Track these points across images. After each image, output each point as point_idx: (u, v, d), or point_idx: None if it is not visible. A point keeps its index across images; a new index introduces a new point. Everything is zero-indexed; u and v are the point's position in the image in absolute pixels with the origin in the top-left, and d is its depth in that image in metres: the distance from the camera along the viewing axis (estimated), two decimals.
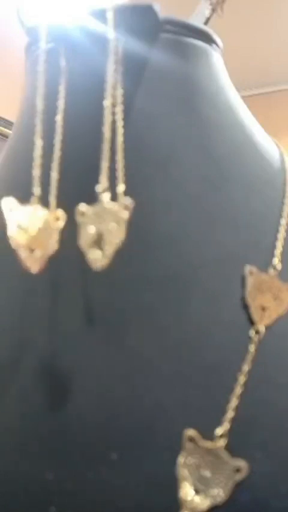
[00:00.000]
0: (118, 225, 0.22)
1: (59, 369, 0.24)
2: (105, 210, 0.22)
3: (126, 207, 0.22)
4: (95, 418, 0.23)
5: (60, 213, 0.23)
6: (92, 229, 0.22)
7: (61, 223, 0.23)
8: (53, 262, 0.23)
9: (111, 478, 0.22)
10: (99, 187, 0.22)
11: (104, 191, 0.22)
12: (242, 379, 0.23)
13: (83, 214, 0.22)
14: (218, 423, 0.22)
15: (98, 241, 0.22)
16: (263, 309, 0.24)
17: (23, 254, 0.22)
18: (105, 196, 0.22)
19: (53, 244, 0.23)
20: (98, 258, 0.22)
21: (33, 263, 0.22)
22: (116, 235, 0.22)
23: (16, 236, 0.22)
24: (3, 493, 0.23)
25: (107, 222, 0.22)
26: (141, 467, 0.22)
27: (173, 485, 0.22)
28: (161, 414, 0.23)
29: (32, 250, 0.22)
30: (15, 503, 0.23)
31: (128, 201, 0.22)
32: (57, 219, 0.23)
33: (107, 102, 0.24)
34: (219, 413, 0.22)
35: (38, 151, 0.24)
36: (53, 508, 0.22)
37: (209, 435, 0.22)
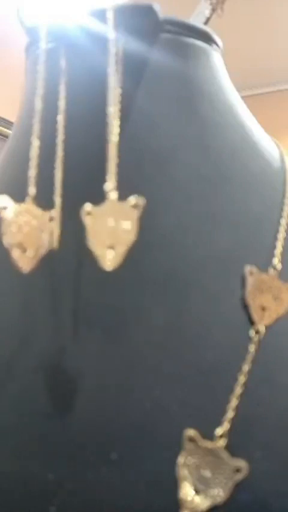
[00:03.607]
0: (129, 223, 0.22)
1: (59, 369, 0.24)
2: (114, 208, 0.22)
3: (136, 205, 0.22)
4: (95, 418, 0.23)
5: (55, 212, 0.23)
6: (101, 229, 0.22)
7: (55, 223, 0.23)
8: (54, 261, 0.23)
9: (111, 478, 0.22)
10: (107, 186, 0.22)
11: (111, 190, 0.22)
12: (242, 379, 0.23)
13: (89, 213, 0.22)
14: (218, 423, 0.22)
15: (109, 240, 0.22)
16: (263, 309, 0.24)
17: (15, 253, 0.22)
18: (113, 195, 0.22)
19: (45, 244, 0.23)
20: (109, 258, 0.21)
21: (25, 263, 0.22)
22: (128, 234, 0.22)
23: (9, 235, 0.22)
24: (3, 492, 0.23)
25: (117, 221, 0.22)
26: (141, 467, 0.22)
27: (173, 485, 0.22)
28: (161, 414, 0.23)
29: (24, 250, 0.22)
30: (16, 503, 0.23)
31: (139, 199, 0.22)
32: (51, 219, 0.23)
33: (110, 103, 0.24)
34: (219, 413, 0.22)
35: (34, 152, 0.24)
36: (53, 508, 0.22)
37: (209, 435, 0.22)
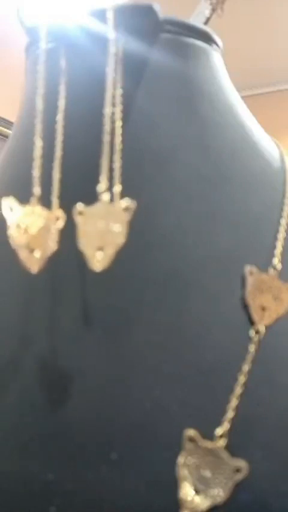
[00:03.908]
0: (119, 226, 0.22)
1: (59, 369, 0.24)
2: (106, 210, 0.22)
3: (127, 208, 0.22)
4: (95, 418, 0.23)
5: (60, 213, 0.23)
6: (92, 229, 0.22)
7: (61, 223, 0.23)
8: (54, 262, 0.23)
9: (111, 478, 0.22)
10: (99, 187, 0.22)
11: (104, 191, 0.22)
12: (242, 379, 0.23)
13: (81, 213, 0.22)
14: (218, 423, 0.22)
15: (98, 242, 0.22)
16: (263, 309, 0.24)
17: (22, 254, 0.22)
18: (106, 196, 0.22)
19: (52, 244, 0.23)
20: (98, 259, 0.22)
21: (33, 263, 0.22)
22: (117, 236, 0.22)
23: (16, 236, 0.22)
24: (3, 492, 0.23)
25: (107, 223, 0.22)
26: (141, 467, 0.22)
27: (173, 485, 0.22)
28: (161, 414, 0.23)
29: (31, 250, 0.22)
30: (16, 503, 0.23)
31: (130, 202, 0.22)
32: (57, 219, 0.23)
33: (107, 103, 0.24)
34: (219, 413, 0.22)
35: (38, 152, 0.24)
36: (53, 508, 0.22)
37: (209, 435, 0.22)
